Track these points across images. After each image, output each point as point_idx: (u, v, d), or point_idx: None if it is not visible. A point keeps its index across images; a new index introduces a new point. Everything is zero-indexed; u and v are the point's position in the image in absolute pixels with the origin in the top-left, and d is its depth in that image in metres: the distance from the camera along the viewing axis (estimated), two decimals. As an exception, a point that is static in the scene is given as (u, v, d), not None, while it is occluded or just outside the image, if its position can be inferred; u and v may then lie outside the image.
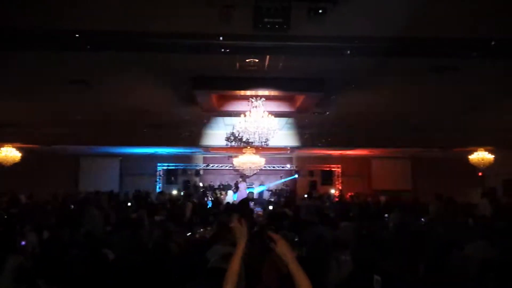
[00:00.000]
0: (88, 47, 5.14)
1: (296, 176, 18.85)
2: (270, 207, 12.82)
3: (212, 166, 18.85)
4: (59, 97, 8.85)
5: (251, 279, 3.27)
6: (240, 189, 14.52)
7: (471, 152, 14.50)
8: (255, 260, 3.82)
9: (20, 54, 6.00)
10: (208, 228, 7.30)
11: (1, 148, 13.56)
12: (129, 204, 11.86)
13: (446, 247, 5.24)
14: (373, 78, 7.22)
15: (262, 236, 4.55)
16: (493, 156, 14.29)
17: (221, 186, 17.91)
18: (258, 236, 4.55)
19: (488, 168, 14.57)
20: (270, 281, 3.74)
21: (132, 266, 4.18)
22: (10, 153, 13.63)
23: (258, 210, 12.84)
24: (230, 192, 14.24)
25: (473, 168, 14.85)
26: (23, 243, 5.78)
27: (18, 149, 13.83)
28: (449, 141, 13.41)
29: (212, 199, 15.14)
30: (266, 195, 18.24)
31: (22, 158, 14.02)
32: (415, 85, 7.71)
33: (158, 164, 18.62)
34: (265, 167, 16.28)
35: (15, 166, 13.93)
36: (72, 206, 10.94)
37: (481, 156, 14.32)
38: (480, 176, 15.80)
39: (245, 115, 8.52)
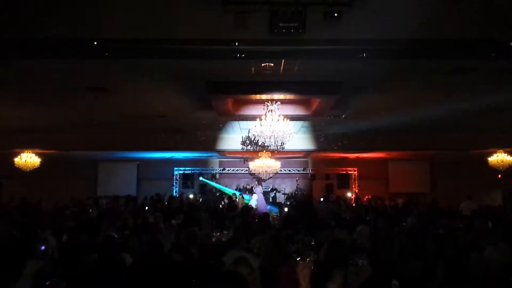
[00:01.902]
0: (106, 54, 5.22)
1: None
2: (286, 209, 12.78)
3: (228, 170, 18.91)
4: (77, 103, 9.02)
5: (267, 284, 3.28)
6: (256, 192, 14.48)
7: (490, 154, 14.28)
8: (272, 265, 3.83)
9: (39, 61, 6.12)
10: (225, 232, 7.32)
11: (21, 154, 13.82)
12: (146, 208, 11.97)
13: (466, 251, 5.17)
14: (389, 81, 7.18)
15: (278, 241, 4.57)
16: (513, 158, 14.06)
17: (237, 190, 17.94)
18: (274, 241, 4.55)
19: (508, 169, 14.31)
20: (285, 286, 3.74)
21: (150, 270, 4.22)
22: (29, 159, 13.88)
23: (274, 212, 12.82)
24: (254, 196, 14.19)
25: (492, 170, 14.60)
26: (43, 248, 5.87)
27: (37, 154, 14.08)
28: (468, 142, 13.23)
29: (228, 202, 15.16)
30: (281, 199, 18.19)
31: (41, 163, 14.28)
32: (433, 86, 7.63)
33: (175, 168, 18.76)
34: (280, 170, 16.24)
35: (35, 171, 14.19)
36: (90, 210, 11.07)
37: (500, 158, 14.10)
38: (499, 178, 15.52)
39: (260, 119, 8.54)
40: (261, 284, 3.17)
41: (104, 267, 4.44)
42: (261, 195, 14.14)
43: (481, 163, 14.67)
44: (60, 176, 17.04)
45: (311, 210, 11.13)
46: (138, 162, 18.69)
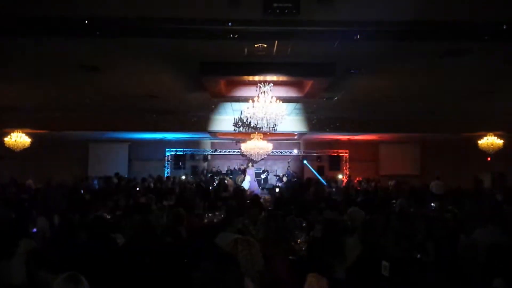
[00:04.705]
0: (98, 33, 5.12)
1: (305, 162, 18.84)
2: (277, 190, 12.87)
3: (220, 152, 18.91)
4: (68, 83, 8.90)
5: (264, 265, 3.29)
6: (248, 174, 14.53)
7: (480, 137, 14.42)
8: (268, 247, 3.85)
9: (30, 40, 6.01)
10: (217, 213, 7.35)
11: (11, 134, 13.70)
12: (137, 189, 11.97)
13: (454, 233, 5.24)
14: (383, 63, 7.15)
15: (272, 223, 4.60)
16: (502, 141, 14.20)
17: (229, 171, 17.98)
18: (269, 223, 4.59)
19: (497, 152, 14.49)
20: (280, 268, 3.78)
21: (142, 250, 4.23)
22: (20, 139, 13.77)
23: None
24: (247, 177, 14.23)
25: (482, 152, 14.77)
26: (34, 230, 5.85)
27: (28, 134, 13.96)
28: (459, 125, 13.34)
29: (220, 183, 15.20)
30: (273, 181, 18.28)
31: (32, 143, 14.16)
32: (426, 69, 7.63)
33: (166, 149, 18.71)
34: (272, 152, 16.29)
35: (25, 151, 14.08)
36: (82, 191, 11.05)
37: (490, 141, 14.25)
38: (489, 160, 15.72)
39: (253, 101, 8.50)
40: (261, 265, 3.19)
41: (94, 247, 4.46)
42: (253, 177, 14.21)
43: (471, 146, 14.84)
44: (51, 156, 16.94)
45: (302, 192, 11.22)
46: (129, 143, 18.61)
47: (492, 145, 14.25)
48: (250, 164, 16.05)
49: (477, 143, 14.49)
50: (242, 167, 17.49)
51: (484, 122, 13.12)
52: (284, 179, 16.60)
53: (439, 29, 5.26)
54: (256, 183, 14.11)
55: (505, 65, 7.23)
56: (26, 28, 5.10)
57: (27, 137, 13.94)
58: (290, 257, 4.38)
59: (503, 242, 4.57)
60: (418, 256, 4.44)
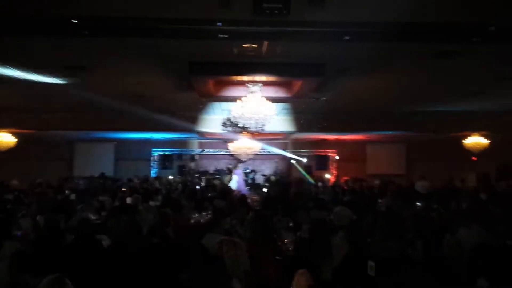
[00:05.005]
0: (86, 33, 5.07)
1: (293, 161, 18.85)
2: (264, 190, 12.85)
3: (208, 151, 18.82)
4: (55, 82, 8.76)
5: (251, 266, 3.29)
6: (236, 174, 14.48)
7: (465, 137, 14.57)
8: (255, 247, 3.85)
9: (17, 39, 5.92)
10: (203, 214, 7.32)
11: (-4, 133, 13.49)
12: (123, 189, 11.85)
13: (440, 232, 5.29)
14: (372, 64, 7.21)
15: (259, 223, 4.60)
16: (488, 141, 14.37)
17: (216, 172, 17.90)
18: (257, 223, 4.58)
19: (483, 152, 14.66)
20: (267, 268, 3.78)
21: (129, 252, 4.20)
22: (5, 138, 13.56)
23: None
24: (234, 177, 14.16)
25: (467, 152, 14.94)
26: (19, 234, 5.74)
27: (13, 134, 13.75)
28: (445, 125, 13.48)
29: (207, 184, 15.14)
30: (260, 180, 18.24)
31: (17, 143, 13.95)
32: (413, 70, 7.71)
33: (153, 149, 18.56)
34: (260, 152, 16.25)
35: (10, 151, 13.87)
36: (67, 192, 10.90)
37: (475, 140, 14.40)
38: (474, 160, 15.91)
39: (242, 101, 8.48)
40: (247, 266, 3.19)
41: (79, 249, 4.40)
42: (241, 177, 14.16)
43: (457, 146, 14.99)
44: (36, 156, 16.70)
45: (289, 192, 11.22)
46: (115, 142, 18.41)
47: (477, 145, 14.41)
48: (238, 164, 16.01)
49: (462, 143, 14.65)
50: (230, 167, 17.42)
51: (470, 122, 13.27)
52: (272, 178, 16.59)
53: (428, 31, 5.33)
54: (243, 183, 14.05)
55: (492, 66, 7.33)
56: (12, 28, 5.02)
57: (12, 137, 13.74)
58: (277, 257, 4.38)
59: (487, 241, 4.63)
60: (410, 251, 4.45)
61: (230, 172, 16.29)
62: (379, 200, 9.37)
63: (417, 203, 9.12)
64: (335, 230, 4.87)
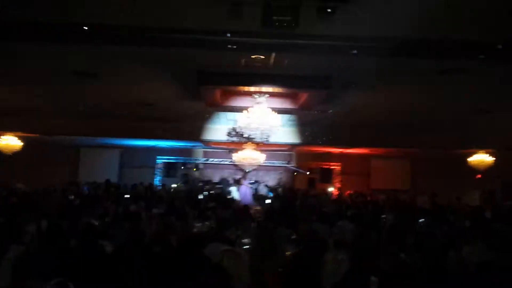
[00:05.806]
0: (97, 40, 5.14)
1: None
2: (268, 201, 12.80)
3: (212, 161, 18.84)
4: (63, 88, 8.86)
5: (253, 277, 3.29)
6: (242, 185, 14.42)
7: (470, 154, 14.49)
8: (257, 258, 3.84)
9: (26, 45, 6.00)
10: (206, 223, 7.31)
11: (2, 137, 13.56)
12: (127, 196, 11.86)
13: (443, 249, 5.26)
14: (378, 78, 7.23)
15: (262, 235, 4.60)
16: (493, 158, 14.29)
17: (221, 181, 17.87)
18: (260, 234, 4.58)
19: (488, 170, 14.57)
20: (269, 280, 3.77)
21: (131, 258, 4.20)
22: (11, 142, 13.63)
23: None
24: (242, 188, 14.08)
25: (472, 170, 14.85)
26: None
27: (19, 138, 13.82)
28: (451, 142, 13.43)
29: (210, 193, 15.12)
30: (264, 191, 18.19)
31: (23, 147, 14.03)
32: (420, 85, 7.72)
33: (158, 157, 18.60)
34: (264, 163, 16.23)
35: (16, 155, 13.94)
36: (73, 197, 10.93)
37: (480, 158, 14.32)
38: (479, 178, 15.81)
39: (248, 111, 8.52)
40: (249, 277, 3.19)
41: (82, 254, 4.41)
42: (248, 188, 14.09)
43: (461, 163, 14.91)
44: (41, 161, 16.77)
45: (293, 204, 11.21)
46: (121, 149, 18.47)
47: (482, 162, 14.32)
48: (245, 175, 15.96)
49: (467, 160, 14.57)
50: (237, 178, 17.37)
51: (475, 138, 13.22)
52: (279, 190, 16.53)
53: (435, 47, 5.35)
54: (250, 194, 13.96)
55: (499, 84, 7.34)
56: (24, 34, 5.09)
57: (18, 140, 13.82)
58: (280, 269, 4.37)
59: (490, 259, 4.60)
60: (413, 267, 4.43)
61: (237, 182, 16.24)
62: (383, 216, 9.33)
63: (420, 219, 9.10)
64: (338, 244, 4.86)
